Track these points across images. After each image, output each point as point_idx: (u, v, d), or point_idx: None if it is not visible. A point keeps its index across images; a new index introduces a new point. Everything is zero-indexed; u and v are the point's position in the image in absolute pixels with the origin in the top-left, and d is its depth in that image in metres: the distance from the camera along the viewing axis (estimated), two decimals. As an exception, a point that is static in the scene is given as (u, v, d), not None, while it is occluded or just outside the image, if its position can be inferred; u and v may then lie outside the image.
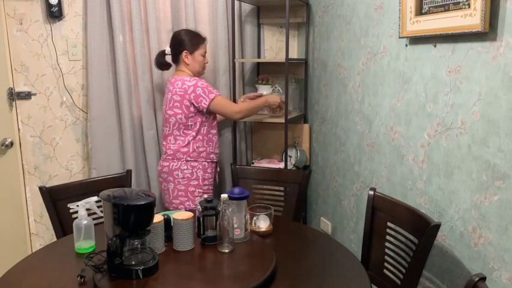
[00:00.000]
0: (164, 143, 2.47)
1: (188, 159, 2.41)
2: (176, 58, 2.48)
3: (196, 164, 2.42)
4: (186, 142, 2.40)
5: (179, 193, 2.41)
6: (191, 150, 2.40)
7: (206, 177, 2.46)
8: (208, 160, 2.47)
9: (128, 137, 2.78)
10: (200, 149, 2.42)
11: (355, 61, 2.31)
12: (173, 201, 2.43)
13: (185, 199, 2.41)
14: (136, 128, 2.84)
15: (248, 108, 2.49)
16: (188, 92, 2.33)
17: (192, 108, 2.35)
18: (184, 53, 2.43)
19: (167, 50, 2.53)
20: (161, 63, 2.58)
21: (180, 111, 2.35)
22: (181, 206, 2.41)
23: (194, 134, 2.40)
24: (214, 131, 2.51)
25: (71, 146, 2.86)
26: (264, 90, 2.86)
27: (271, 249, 1.60)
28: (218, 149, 2.57)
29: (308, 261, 1.59)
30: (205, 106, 2.35)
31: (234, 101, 2.88)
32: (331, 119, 2.65)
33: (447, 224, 1.66)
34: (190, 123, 2.38)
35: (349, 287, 1.44)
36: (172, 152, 2.41)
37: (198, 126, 2.40)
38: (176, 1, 2.81)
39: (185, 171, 2.40)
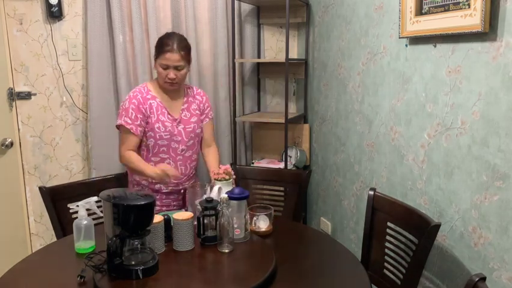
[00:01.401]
0: None
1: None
2: None
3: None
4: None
5: None
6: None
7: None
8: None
9: (128, 137, 2.77)
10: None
11: (355, 61, 2.31)
12: None
13: None
14: (136, 128, 2.83)
15: (131, 165, 2.05)
16: None
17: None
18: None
19: None
20: None
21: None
22: None
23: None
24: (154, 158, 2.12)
25: (71, 146, 2.86)
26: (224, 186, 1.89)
27: (271, 249, 1.59)
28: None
29: (308, 261, 1.59)
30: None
31: (234, 105, 2.89)
32: (331, 119, 2.65)
33: (447, 224, 1.66)
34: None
35: (349, 287, 1.44)
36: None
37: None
38: (176, 1, 2.81)
39: None
